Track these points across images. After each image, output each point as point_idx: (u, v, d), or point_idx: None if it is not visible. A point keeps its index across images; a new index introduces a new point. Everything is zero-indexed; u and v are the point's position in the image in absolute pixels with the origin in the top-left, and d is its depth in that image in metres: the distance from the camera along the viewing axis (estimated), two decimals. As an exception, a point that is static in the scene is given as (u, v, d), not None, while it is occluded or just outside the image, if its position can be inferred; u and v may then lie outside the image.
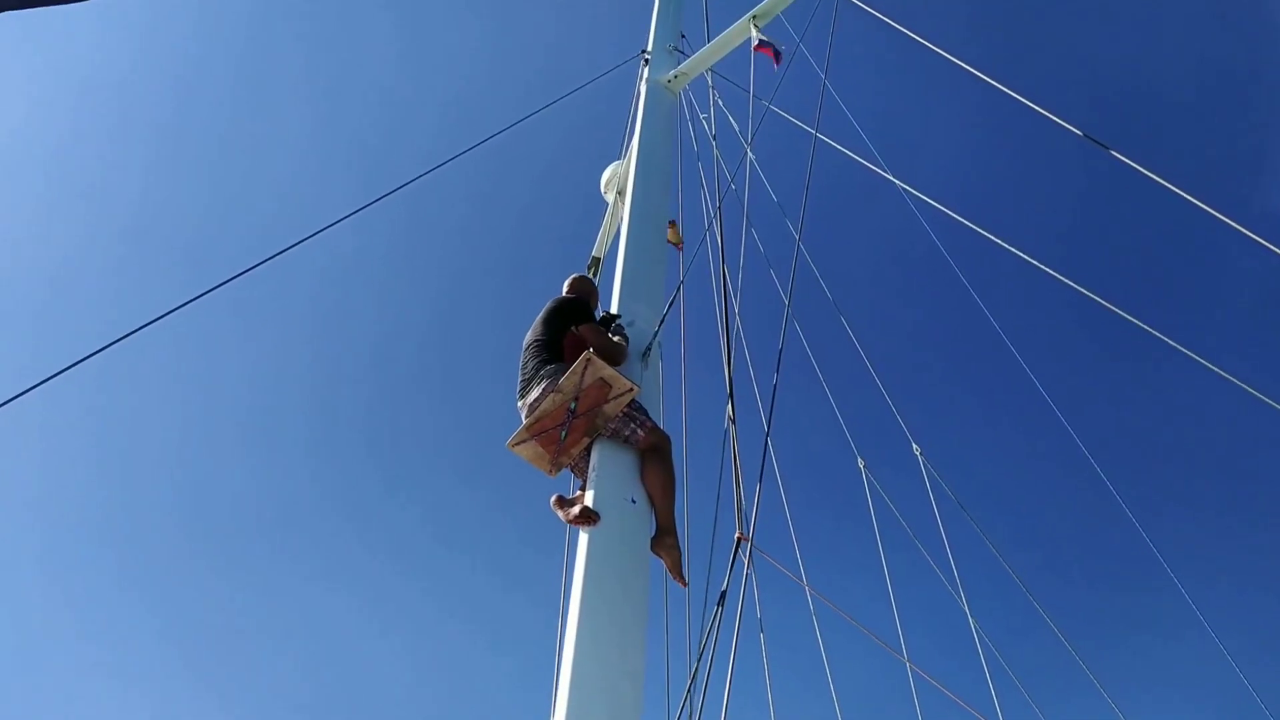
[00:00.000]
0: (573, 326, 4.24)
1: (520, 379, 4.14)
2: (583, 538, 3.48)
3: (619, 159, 7.33)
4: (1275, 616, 12.36)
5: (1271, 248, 4.21)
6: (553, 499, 3.73)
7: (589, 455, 3.88)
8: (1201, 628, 5.64)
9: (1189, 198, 4.41)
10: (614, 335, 4.36)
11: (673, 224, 5.93)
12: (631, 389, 3.82)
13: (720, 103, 6.70)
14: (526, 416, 3.93)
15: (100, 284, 16.06)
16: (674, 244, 5.89)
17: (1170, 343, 4.63)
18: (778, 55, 6.55)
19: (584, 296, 4.73)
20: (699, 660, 3.25)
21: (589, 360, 3.79)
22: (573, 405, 3.79)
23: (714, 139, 6.28)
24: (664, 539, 3.66)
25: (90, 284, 16.06)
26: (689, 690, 3.29)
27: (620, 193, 6.93)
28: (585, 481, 3.82)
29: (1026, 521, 14.04)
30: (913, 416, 6.25)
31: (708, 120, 6.65)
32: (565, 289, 4.84)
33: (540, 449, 3.87)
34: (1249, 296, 14.19)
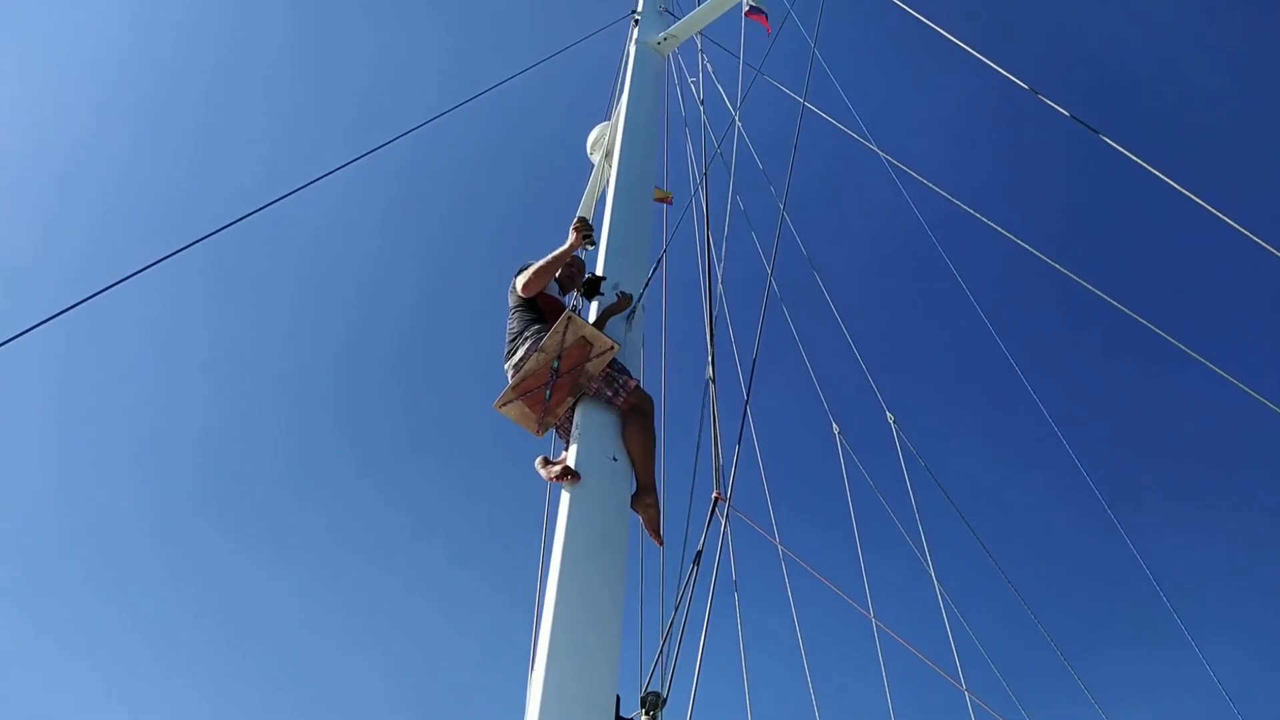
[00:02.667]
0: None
1: (507, 341, 4.20)
2: (564, 495, 3.54)
3: (606, 120, 7.31)
4: (1250, 612, 12.63)
5: (1259, 240, 4.24)
6: (538, 460, 3.79)
7: (573, 416, 3.94)
8: (1170, 616, 5.82)
9: (1176, 185, 4.45)
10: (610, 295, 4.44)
11: (662, 191, 5.95)
12: (612, 347, 3.87)
13: (709, 68, 6.69)
14: (512, 377, 3.98)
15: (74, 242, 15.84)
16: (663, 200, 5.90)
17: (1154, 329, 4.68)
18: (768, 19, 6.54)
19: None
20: (674, 616, 3.34)
21: (570, 319, 3.84)
22: (556, 364, 3.84)
23: (702, 104, 6.29)
24: (643, 497, 3.73)
25: (63, 242, 15.84)
26: (663, 645, 3.38)
27: (607, 154, 6.92)
28: (569, 442, 3.88)
29: (998, 497, 14.29)
30: (890, 388, 6.35)
31: (696, 85, 6.65)
32: None
33: (526, 409, 3.92)
34: (1239, 289, 14.31)
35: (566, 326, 3.82)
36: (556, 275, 4.44)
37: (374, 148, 4.86)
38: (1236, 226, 4.22)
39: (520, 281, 4.25)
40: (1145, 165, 4.58)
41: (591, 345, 3.84)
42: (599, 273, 4.77)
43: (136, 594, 14.51)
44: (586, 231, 4.34)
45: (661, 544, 3.94)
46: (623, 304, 4.43)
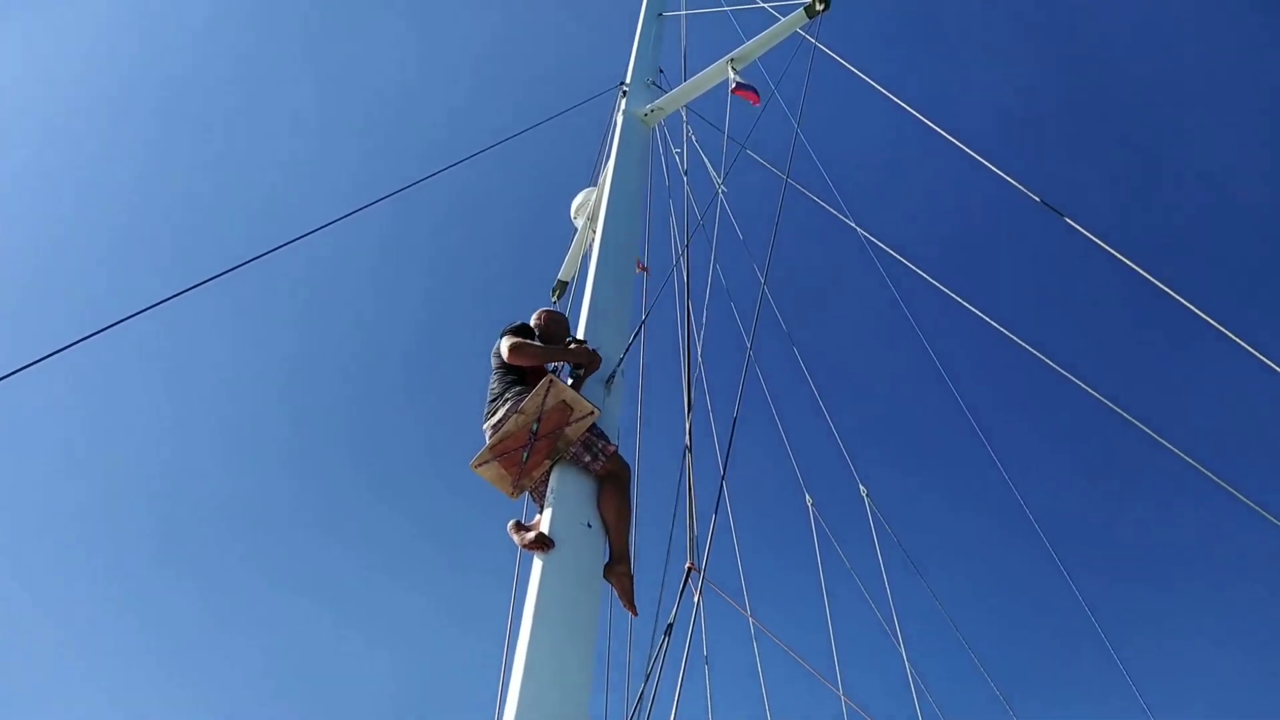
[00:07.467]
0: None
1: (487, 401, 4.19)
2: (536, 561, 3.53)
3: (591, 185, 7.43)
4: (1207, 675, 12.87)
5: (1205, 315, 4.38)
6: (510, 524, 3.77)
7: (549, 479, 3.93)
8: (1129, 688, 5.85)
9: (1143, 272, 4.57)
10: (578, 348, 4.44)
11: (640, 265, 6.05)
12: (593, 412, 3.88)
13: (694, 140, 6.85)
14: (490, 438, 3.98)
15: (83, 276, 15.90)
16: (640, 270, 5.99)
17: (1113, 407, 4.79)
18: (757, 94, 6.71)
19: (547, 325, 4.72)
20: (644, 687, 3.32)
21: (551, 382, 3.86)
22: (535, 427, 3.85)
23: (685, 175, 6.42)
24: (616, 566, 3.72)
25: (73, 275, 15.89)
26: (632, 717, 3.35)
27: (590, 219, 7.03)
28: (543, 506, 3.87)
29: (968, 569, 14.38)
30: (864, 461, 6.40)
31: (681, 156, 6.79)
32: (534, 320, 4.85)
33: (502, 470, 3.91)
34: (1195, 373, 14.76)
35: (548, 390, 3.84)
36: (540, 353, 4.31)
37: (355, 209, 4.88)
38: (1206, 318, 4.35)
39: (507, 347, 4.19)
40: (1109, 249, 4.72)
41: (572, 410, 3.86)
42: (579, 336, 4.81)
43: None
44: (596, 360, 4.38)
45: (635, 613, 3.92)
46: (593, 364, 4.38)
